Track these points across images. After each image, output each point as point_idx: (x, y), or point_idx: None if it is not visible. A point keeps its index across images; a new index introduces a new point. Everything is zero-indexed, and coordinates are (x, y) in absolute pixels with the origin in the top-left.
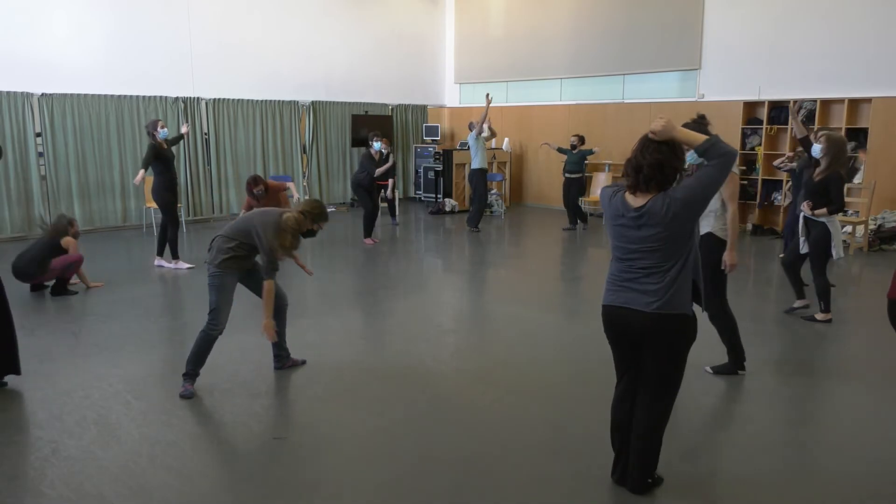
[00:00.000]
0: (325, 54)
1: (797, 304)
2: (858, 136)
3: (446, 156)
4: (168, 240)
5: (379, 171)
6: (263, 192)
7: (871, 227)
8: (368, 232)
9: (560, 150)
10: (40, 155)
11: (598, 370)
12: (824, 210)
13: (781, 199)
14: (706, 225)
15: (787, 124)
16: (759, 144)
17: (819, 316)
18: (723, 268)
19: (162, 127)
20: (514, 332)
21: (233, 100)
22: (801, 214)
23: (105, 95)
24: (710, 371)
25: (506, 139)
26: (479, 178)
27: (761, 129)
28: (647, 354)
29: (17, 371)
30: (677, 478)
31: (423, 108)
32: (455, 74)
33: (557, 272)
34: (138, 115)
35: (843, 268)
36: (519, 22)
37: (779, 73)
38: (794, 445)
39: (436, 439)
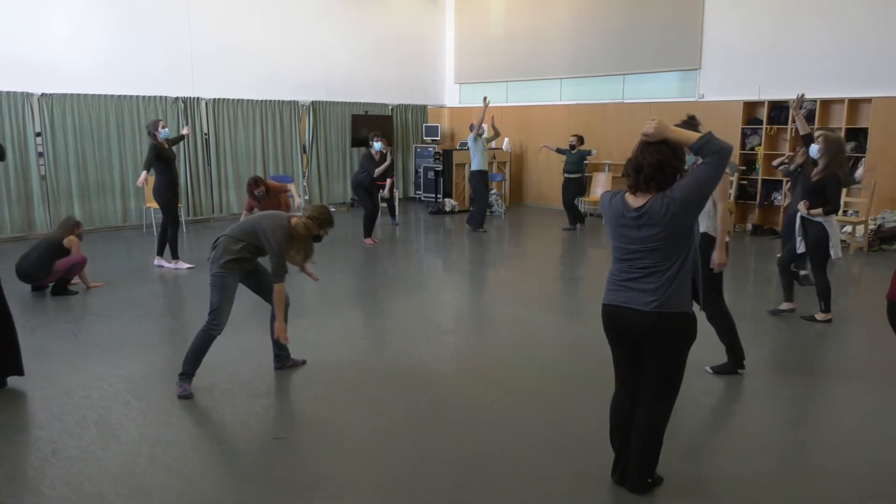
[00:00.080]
0: (325, 54)
1: (783, 306)
2: (858, 136)
3: (446, 156)
4: (168, 240)
5: (378, 170)
6: (264, 193)
7: (871, 227)
8: (368, 232)
9: (559, 151)
10: (40, 155)
11: (598, 370)
12: (820, 210)
13: (781, 199)
14: (701, 225)
15: (786, 124)
16: (759, 144)
17: (819, 316)
18: (711, 266)
19: (163, 127)
20: (514, 332)
21: (233, 100)
22: (799, 214)
23: (105, 95)
24: (710, 371)
25: (506, 139)
26: (479, 180)
27: (761, 129)
28: (647, 354)
29: (19, 372)
30: (677, 478)
31: (423, 108)
32: (455, 74)
33: (557, 272)
34: (138, 115)
35: (843, 268)
36: (519, 22)
37: (779, 73)
38: (794, 445)
39: (436, 439)
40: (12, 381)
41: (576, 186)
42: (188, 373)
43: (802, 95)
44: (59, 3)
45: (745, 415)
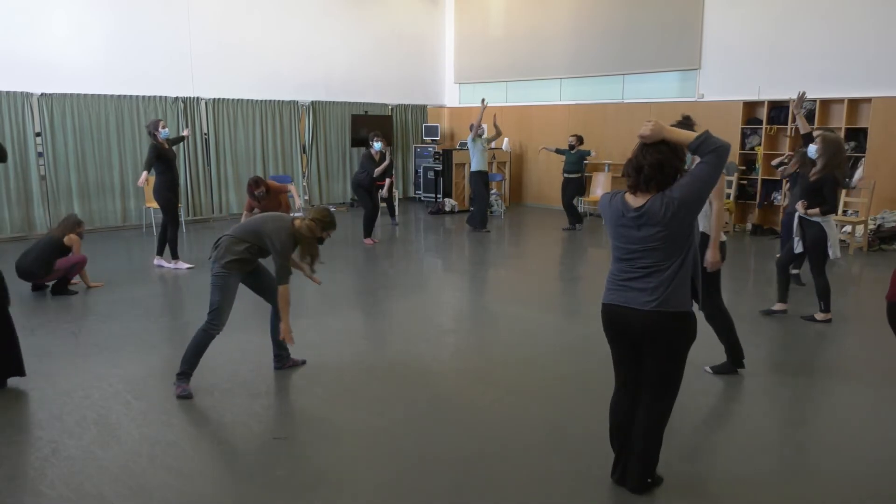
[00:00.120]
0: (325, 54)
1: (776, 306)
2: (858, 136)
3: (446, 156)
4: (168, 240)
5: (377, 170)
6: (265, 193)
7: (871, 227)
8: (368, 232)
9: (558, 151)
10: (40, 155)
11: (598, 370)
12: (817, 210)
13: (781, 198)
14: (700, 224)
15: (786, 124)
16: (759, 144)
17: (819, 316)
18: (704, 265)
19: (163, 127)
20: (514, 332)
21: (233, 100)
22: (797, 214)
23: (105, 95)
24: (710, 371)
25: (505, 139)
26: (478, 181)
27: (761, 128)
28: (647, 353)
29: (21, 373)
30: (677, 478)
31: (423, 108)
32: (455, 74)
33: (557, 272)
34: (138, 115)
35: (842, 268)
36: (519, 22)
37: (779, 73)
38: (793, 445)
39: (436, 439)
40: (12, 380)
41: (575, 186)
42: (186, 372)
43: (804, 94)
44: (59, 3)
45: (744, 415)
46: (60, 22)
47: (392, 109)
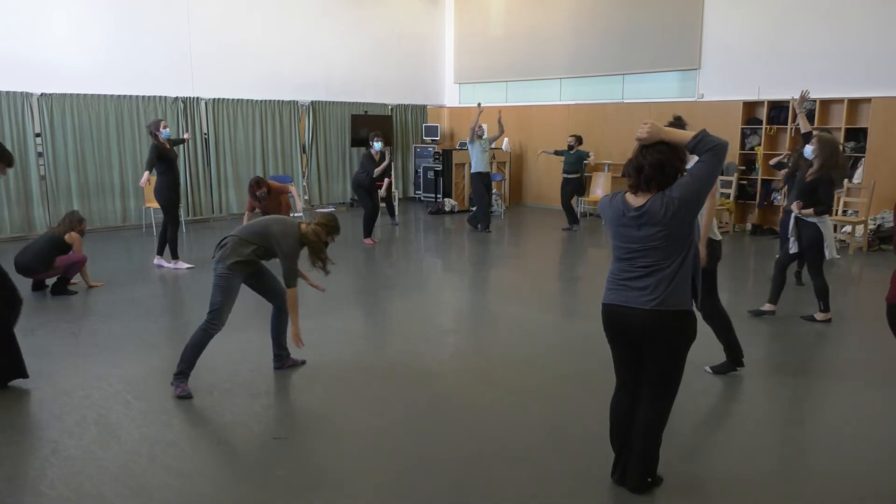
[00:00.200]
0: (325, 54)
1: (765, 307)
2: (858, 136)
3: (446, 156)
4: (168, 240)
5: (377, 170)
6: (266, 193)
7: (871, 227)
8: (368, 232)
9: (557, 153)
10: (40, 155)
11: (598, 370)
12: (811, 210)
13: (781, 198)
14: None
15: (786, 124)
16: (759, 144)
17: (818, 316)
18: None
19: (164, 127)
20: (514, 332)
21: (232, 100)
22: (792, 214)
23: (105, 95)
24: (710, 371)
25: (505, 139)
26: (477, 182)
27: (761, 128)
28: (647, 353)
29: (24, 375)
30: (677, 478)
31: (423, 108)
32: (455, 74)
33: (557, 272)
34: (138, 115)
35: (842, 268)
36: (519, 22)
37: (778, 73)
38: (793, 445)
39: (436, 439)
40: (13, 381)
41: (573, 186)
42: (184, 371)
43: (807, 92)
44: (59, 3)
45: (744, 415)
46: (60, 22)
47: (392, 109)
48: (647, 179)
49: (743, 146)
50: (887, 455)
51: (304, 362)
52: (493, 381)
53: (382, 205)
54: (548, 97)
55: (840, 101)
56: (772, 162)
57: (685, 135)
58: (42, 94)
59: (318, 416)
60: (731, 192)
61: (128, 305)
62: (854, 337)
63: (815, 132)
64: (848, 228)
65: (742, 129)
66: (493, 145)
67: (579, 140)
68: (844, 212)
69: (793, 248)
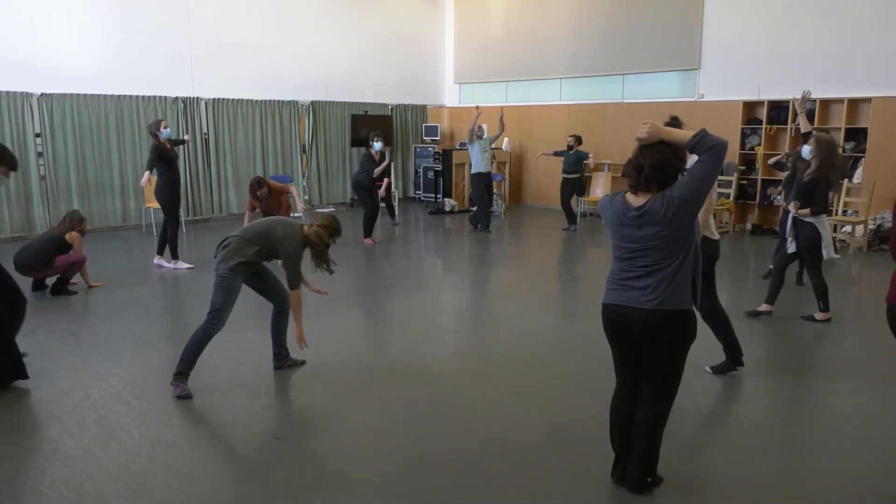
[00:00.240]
0: (325, 54)
1: (762, 307)
2: (858, 136)
3: (446, 156)
4: (168, 240)
5: (377, 170)
6: (267, 193)
7: (871, 227)
8: (368, 232)
9: (556, 154)
10: (40, 155)
11: (598, 370)
12: (807, 210)
13: (780, 198)
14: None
15: (786, 124)
16: (759, 144)
17: (818, 316)
18: None
19: (165, 127)
20: (514, 332)
21: (232, 100)
22: (790, 214)
23: (105, 95)
24: (710, 371)
25: (505, 139)
26: (478, 182)
27: (761, 128)
28: (647, 353)
29: (24, 376)
30: (677, 478)
31: (423, 108)
32: (455, 74)
33: (557, 272)
34: (138, 115)
35: (842, 268)
36: (519, 22)
37: (778, 73)
38: (793, 445)
39: (436, 439)
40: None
41: (573, 186)
42: (184, 371)
43: (808, 92)
44: (59, 3)
45: (744, 415)
46: (60, 22)
47: (392, 109)
48: (647, 179)
49: (743, 146)
50: (887, 455)
51: (303, 362)
52: (493, 381)
53: (382, 205)
54: (548, 97)
55: (840, 101)
56: (770, 161)
57: (685, 134)
58: (42, 94)
59: (318, 416)
60: (731, 191)
61: (128, 305)
62: (854, 337)
63: (814, 132)
64: (848, 228)
65: (742, 129)
66: (493, 145)
67: (579, 140)
68: (844, 212)
69: (790, 248)
